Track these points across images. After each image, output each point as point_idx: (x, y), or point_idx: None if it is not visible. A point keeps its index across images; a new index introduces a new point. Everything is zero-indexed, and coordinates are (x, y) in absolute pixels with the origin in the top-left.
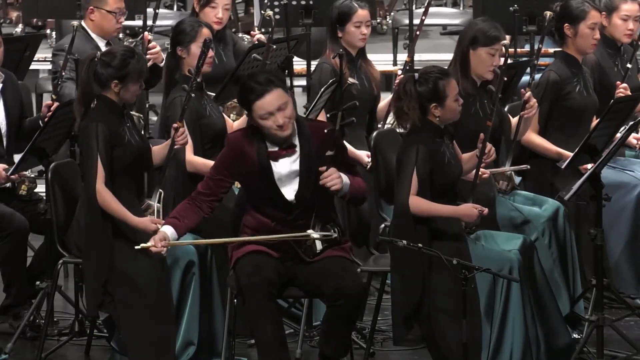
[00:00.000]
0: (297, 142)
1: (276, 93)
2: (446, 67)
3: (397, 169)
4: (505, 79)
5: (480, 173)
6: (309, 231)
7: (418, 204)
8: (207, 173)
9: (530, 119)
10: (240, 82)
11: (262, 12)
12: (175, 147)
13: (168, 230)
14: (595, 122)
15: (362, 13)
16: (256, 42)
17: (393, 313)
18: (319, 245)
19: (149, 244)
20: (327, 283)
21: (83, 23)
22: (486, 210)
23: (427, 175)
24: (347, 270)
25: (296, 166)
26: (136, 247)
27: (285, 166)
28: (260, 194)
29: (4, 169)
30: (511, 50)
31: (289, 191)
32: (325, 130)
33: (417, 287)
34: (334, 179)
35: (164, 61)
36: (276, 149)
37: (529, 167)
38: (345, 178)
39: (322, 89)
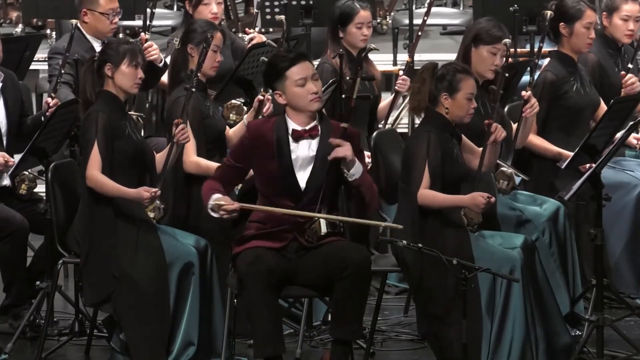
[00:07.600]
0: (319, 127)
1: (307, 63)
2: None
3: (407, 159)
4: (507, 75)
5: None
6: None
7: (426, 195)
8: (223, 160)
9: (531, 122)
10: (268, 61)
11: (257, 10)
12: (177, 144)
13: (218, 196)
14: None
15: (364, 14)
16: (265, 43)
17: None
18: (323, 228)
19: (222, 202)
20: (333, 258)
21: (78, 24)
22: (493, 198)
23: (439, 163)
24: (351, 245)
25: (313, 152)
26: (211, 203)
27: (303, 149)
28: (273, 179)
29: (3, 157)
30: (511, 50)
31: (302, 177)
32: (341, 125)
33: (421, 286)
34: (345, 146)
35: (162, 62)
36: (299, 128)
37: (528, 178)
38: (358, 163)
39: (322, 89)
